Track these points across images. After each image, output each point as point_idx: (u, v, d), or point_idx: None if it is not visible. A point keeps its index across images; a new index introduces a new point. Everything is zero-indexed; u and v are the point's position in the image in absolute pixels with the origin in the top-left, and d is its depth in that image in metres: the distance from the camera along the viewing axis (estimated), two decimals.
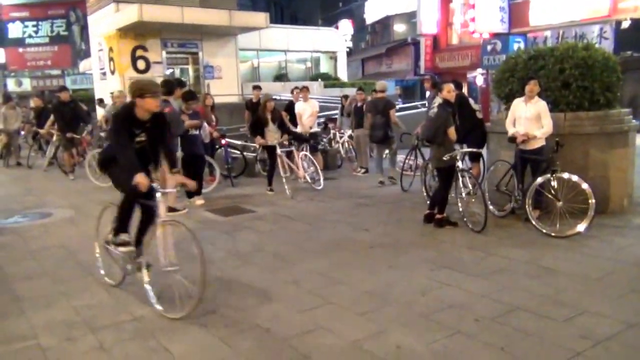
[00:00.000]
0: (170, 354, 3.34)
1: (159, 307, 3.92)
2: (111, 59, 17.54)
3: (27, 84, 32.99)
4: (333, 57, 24.01)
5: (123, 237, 4.26)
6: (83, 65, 28.67)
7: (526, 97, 5.99)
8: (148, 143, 4.20)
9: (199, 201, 7.82)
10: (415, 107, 16.37)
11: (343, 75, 24.09)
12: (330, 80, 22.05)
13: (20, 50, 30.99)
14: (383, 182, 9.13)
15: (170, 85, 7.42)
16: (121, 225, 4.25)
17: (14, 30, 31.04)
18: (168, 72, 17.63)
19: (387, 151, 9.44)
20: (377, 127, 9.00)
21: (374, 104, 9.19)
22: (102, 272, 4.66)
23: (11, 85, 32.53)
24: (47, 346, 3.47)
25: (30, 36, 31.18)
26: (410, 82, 32.85)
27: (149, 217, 4.18)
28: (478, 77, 28.85)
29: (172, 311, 3.81)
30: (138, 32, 16.75)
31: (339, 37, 24.69)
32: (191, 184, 4.59)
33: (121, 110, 4.26)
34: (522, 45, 24.32)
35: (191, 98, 7.84)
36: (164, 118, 4.33)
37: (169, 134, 4.53)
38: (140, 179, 3.80)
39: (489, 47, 24.55)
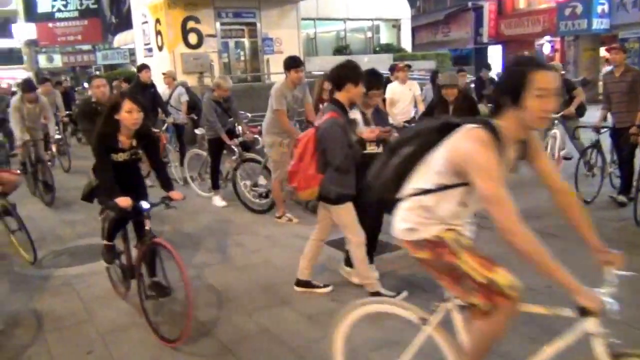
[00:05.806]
0: None
1: None
2: (158, 33, 15.48)
3: (58, 60, 31.52)
4: (396, 25, 21.45)
5: None
6: (117, 40, 26.76)
7: None
8: None
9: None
10: None
11: (407, 45, 21.57)
12: (396, 52, 19.62)
13: (50, 25, 29.37)
14: None
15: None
16: None
17: (43, 4, 29.48)
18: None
19: None
20: None
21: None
22: None
23: (43, 61, 31.12)
24: None
25: (59, 10, 29.52)
26: (464, 52, 30.38)
27: None
28: (545, 45, 26.19)
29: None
30: (188, 0, 14.63)
31: (402, 2, 22.01)
32: None
33: None
34: (606, 8, 21.59)
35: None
36: None
37: None
38: None
39: (567, 11, 21.92)
